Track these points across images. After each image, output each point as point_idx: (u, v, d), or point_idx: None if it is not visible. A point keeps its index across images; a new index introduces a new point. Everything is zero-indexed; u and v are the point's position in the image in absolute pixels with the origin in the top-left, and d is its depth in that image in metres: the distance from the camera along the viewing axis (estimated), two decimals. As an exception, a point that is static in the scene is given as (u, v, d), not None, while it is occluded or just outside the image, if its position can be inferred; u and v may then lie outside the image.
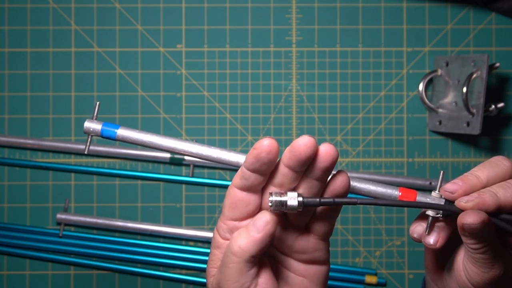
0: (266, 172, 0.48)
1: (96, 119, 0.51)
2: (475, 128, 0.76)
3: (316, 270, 0.53)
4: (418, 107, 0.83)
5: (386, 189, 0.50)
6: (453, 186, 0.50)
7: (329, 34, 0.83)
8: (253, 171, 0.48)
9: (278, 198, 0.48)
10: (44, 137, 0.82)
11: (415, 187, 0.80)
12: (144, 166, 0.82)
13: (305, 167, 0.47)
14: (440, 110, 0.81)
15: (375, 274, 0.81)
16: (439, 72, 0.81)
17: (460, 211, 0.49)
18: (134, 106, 0.82)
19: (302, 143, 0.46)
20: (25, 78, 0.82)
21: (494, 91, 0.82)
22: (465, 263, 0.52)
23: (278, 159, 0.48)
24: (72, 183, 0.82)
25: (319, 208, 0.50)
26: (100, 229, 0.82)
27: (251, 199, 0.49)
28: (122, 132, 0.51)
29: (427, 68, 0.83)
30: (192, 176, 0.82)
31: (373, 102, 0.82)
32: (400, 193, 0.50)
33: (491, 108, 0.79)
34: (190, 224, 0.82)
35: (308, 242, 0.51)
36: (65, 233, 0.82)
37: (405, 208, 0.82)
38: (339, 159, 0.82)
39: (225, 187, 0.82)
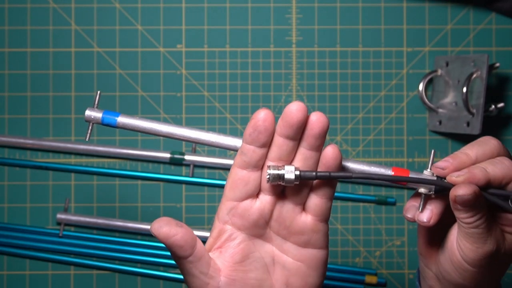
0: (264, 142, 0.50)
1: (97, 107, 0.53)
2: (475, 128, 0.76)
3: (314, 255, 0.53)
4: (418, 107, 0.83)
5: (380, 168, 0.52)
6: (444, 163, 0.52)
7: (329, 34, 0.83)
8: (251, 142, 0.50)
9: (276, 172, 0.49)
10: (44, 137, 0.82)
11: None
12: (144, 166, 0.82)
13: (299, 133, 0.49)
14: (440, 110, 0.81)
15: (375, 274, 0.82)
16: (439, 72, 0.81)
17: (452, 185, 0.51)
18: (134, 106, 0.82)
19: (293, 108, 0.48)
20: (25, 78, 0.82)
21: (494, 91, 0.82)
22: (458, 240, 0.53)
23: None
24: (72, 183, 0.82)
25: (316, 185, 0.51)
26: (100, 229, 0.82)
27: (251, 177, 0.51)
28: (122, 119, 0.52)
29: (427, 68, 0.83)
30: (192, 176, 0.82)
31: (373, 102, 0.82)
32: (393, 172, 0.52)
33: (491, 108, 0.79)
34: (190, 224, 0.82)
35: (306, 223, 0.52)
36: (65, 233, 0.82)
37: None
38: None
39: (225, 187, 0.82)
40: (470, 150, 0.53)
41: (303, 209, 0.52)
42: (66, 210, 0.82)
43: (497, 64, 0.78)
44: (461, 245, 0.53)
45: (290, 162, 0.51)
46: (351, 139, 0.82)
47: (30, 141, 0.82)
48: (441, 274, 0.56)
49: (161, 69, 0.82)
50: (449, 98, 0.80)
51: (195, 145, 0.82)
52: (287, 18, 0.83)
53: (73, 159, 0.82)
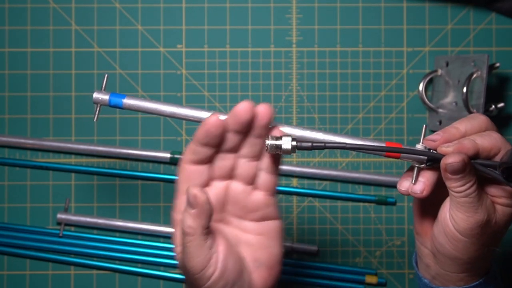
0: (216, 144, 0.54)
1: (104, 90, 0.57)
2: (475, 128, 0.76)
3: (271, 226, 0.58)
4: (418, 107, 0.83)
5: (373, 142, 0.55)
6: (435, 136, 0.56)
7: (329, 34, 0.83)
8: (204, 145, 0.54)
9: (274, 142, 0.53)
10: (44, 137, 0.82)
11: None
12: (144, 166, 0.82)
13: (248, 128, 0.54)
14: (440, 110, 0.81)
15: (375, 274, 0.82)
16: (439, 72, 0.81)
17: (442, 156, 0.55)
18: (134, 106, 0.82)
19: (242, 109, 0.53)
20: (25, 78, 0.82)
21: (494, 91, 0.82)
22: (451, 211, 0.56)
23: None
24: (72, 183, 0.82)
25: (265, 164, 0.55)
26: (100, 229, 0.82)
27: (204, 169, 0.55)
28: (128, 100, 0.57)
29: (427, 68, 0.83)
30: (192, 176, 0.82)
31: (373, 102, 0.83)
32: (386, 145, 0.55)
33: (491, 108, 0.79)
34: (190, 224, 0.82)
35: (259, 199, 0.56)
36: (65, 233, 0.82)
37: (405, 209, 0.82)
38: (340, 159, 0.82)
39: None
40: (460, 125, 0.57)
41: (254, 187, 0.56)
42: (66, 210, 0.82)
43: (497, 64, 0.78)
44: (454, 215, 0.56)
45: (238, 151, 0.55)
46: (351, 139, 0.82)
47: (30, 141, 0.82)
48: (436, 248, 0.59)
49: (161, 69, 0.82)
50: (449, 98, 0.80)
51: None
52: (287, 18, 0.83)
53: (73, 159, 0.82)
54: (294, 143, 0.53)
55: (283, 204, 0.82)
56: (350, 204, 0.82)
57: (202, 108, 0.58)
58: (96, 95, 0.57)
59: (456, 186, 0.55)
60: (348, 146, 0.54)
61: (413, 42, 0.83)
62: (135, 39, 0.82)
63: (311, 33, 0.83)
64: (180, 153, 0.81)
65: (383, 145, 0.55)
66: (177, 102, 0.82)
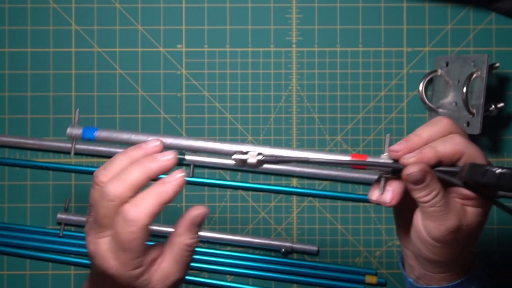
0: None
1: (77, 124, 0.60)
2: (475, 128, 0.76)
3: None
4: (418, 107, 0.83)
5: (338, 155, 0.58)
6: (398, 146, 0.56)
7: (329, 34, 0.83)
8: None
9: (240, 157, 0.56)
10: (44, 137, 0.82)
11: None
12: (144, 166, 0.82)
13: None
14: (440, 110, 0.81)
15: (375, 274, 0.82)
16: (439, 72, 0.81)
17: (403, 167, 0.55)
18: (134, 106, 0.82)
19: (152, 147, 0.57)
20: (25, 78, 0.82)
21: (494, 91, 0.82)
22: (422, 220, 0.57)
23: None
24: (72, 183, 0.82)
25: None
26: (100, 229, 0.82)
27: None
28: (100, 133, 0.60)
29: (427, 68, 0.83)
30: (192, 176, 0.82)
31: (373, 102, 0.83)
32: (351, 158, 0.57)
33: (491, 108, 0.79)
34: (190, 224, 0.82)
35: None
36: (65, 233, 0.82)
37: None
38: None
39: (225, 187, 0.82)
40: (422, 131, 0.57)
41: None
42: (66, 210, 0.82)
43: (497, 64, 0.78)
44: (425, 224, 0.57)
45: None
46: (351, 139, 0.82)
47: (30, 141, 0.82)
48: (415, 251, 0.60)
49: (161, 69, 0.82)
50: (449, 98, 0.80)
51: (195, 145, 0.82)
52: (287, 18, 0.83)
53: (73, 159, 0.82)
54: (259, 157, 0.56)
55: (283, 204, 0.82)
56: (350, 204, 0.82)
57: (176, 136, 0.61)
58: (69, 130, 0.60)
59: (421, 196, 0.55)
60: (311, 160, 0.57)
61: (413, 42, 0.82)
62: (135, 39, 0.82)
63: (311, 33, 0.83)
64: (180, 152, 0.81)
65: (349, 157, 0.57)
66: (177, 102, 0.82)
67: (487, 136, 0.82)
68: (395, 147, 0.56)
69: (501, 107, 0.79)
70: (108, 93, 0.82)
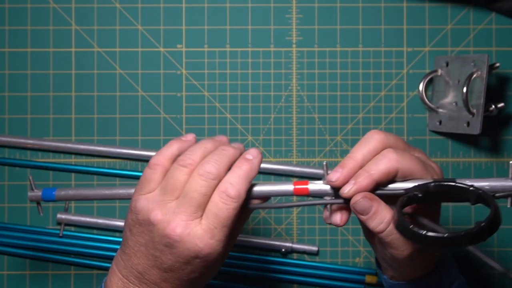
0: None
1: (34, 188, 0.65)
2: (475, 128, 0.76)
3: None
4: (418, 107, 0.83)
5: (282, 185, 0.59)
6: (335, 175, 0.57)
7: (329, 34, 0.83)
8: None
9: None
10: (45, 137, 0.82)
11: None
12: (144, 166, 0.82)
13: None
14: (440, 110, 0.81)
15: (375, 274, 0.82)
16: (439, 72, 0.81)
17: (344, 198, 0.56)
18: (134, 106, 0.82)
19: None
20: (25, 78, 0.82)
21: (494, 91, 0.82)
22: (384, 246, 0.58)
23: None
24: (72, 183, 0.82)
25: None
26: (101, 229, 0.82)
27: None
28: (58, 192, 0.64)
29: (427, 68, 0.83)
30: (192, 176, 0.82)
31: (373, 102, 0.83)
32: (294, 187, 0.58)
33: (491, 108, 0.79)
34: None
35: None
36: (65, 233, 0.82)
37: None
38: (340, 159, 0.82)
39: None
40: (356, 152, 0.57)
41: None
42: (66, 210, 0.82)
43: (497, 64, 0.78)
44: (387, 249, 0.57)
45: None
46: (351, 139, 0.82)
47: (31, 141, 0.82)
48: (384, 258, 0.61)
49: (161, 69, 0.82)
50: (449, 98, 0.80)
51: (195, 145, 0.82)
52: (287, 18, 0.83)
53: (73, 159, 0.82)
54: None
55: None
56: (350, 204, 0.82)
57: (129, 186, 0.63)
58: (30, 194, 0.65)
59: (375, 227, 0.56)
60: (255, 194, 0.59)
61: (413, 42, 0.82)
62: (135, 39, 0.82)
63: (311, 33, 0.83)
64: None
65: (291, 185, 0.58)
66: (177, 102, 0.82)
67: (487, 136, 0.83)
68: (332, 176, 0.56)
69: (501, 107, 0.79)
70: (108, 93, 0.82)
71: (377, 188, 0.56)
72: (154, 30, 0.82)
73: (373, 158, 0.56)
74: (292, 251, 0.82)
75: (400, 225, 0.53)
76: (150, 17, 0.82)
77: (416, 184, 0.56)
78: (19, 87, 0.82)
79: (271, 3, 0.82)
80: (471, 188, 0.54)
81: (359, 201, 0.55)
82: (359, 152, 0.57)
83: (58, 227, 0.82)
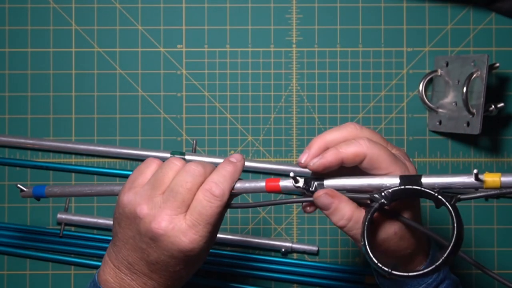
0: None
1: (27, 188, 0.67)
2: (475, 128, 0.76)
3: None
4: (418, 107, 0.83)
5: (255, 183, 0.59)
6: (303, 156, 0.58)
7: (329, 34, 0.83)
8: None
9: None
10: (45, 137, 0.82)
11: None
12: (144, 166, 0.82)
13: None
14: (440, 110, 0.81)
15: (375, 274, 0.82)
16: (439, 72, 0.81)
17: (308, 197, 0.58)
18: (134, 106, 0.82)
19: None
20: (25, 78, 0.82)
21: (494, 91, 0.82)
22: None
23: None
24: (72, 183, 0.82)
25: None
26: (101, 229, 0.82)
27: None
28: (48, 189, 0.66)
29: (427, 68, 0.83)
30: (192, 176, 0.82)
31: (373, 102, 0.83)
32: (266, 184, 0.59)
33: (491, 108, 0.79)
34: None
35: None
36: (65, 233, 0.82)
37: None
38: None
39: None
40: (327, 134, 0.59)
41: None
42: (66, 210, 0.82)
43: (497, 64, 0.78)
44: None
45: None
46: (351, 139, 0.82)
47: (31, 141, 0.82)
48: None
49: (161, 69, 0.82)
50: (449, 98, 0.80)
51: (195, 145, 0.82)
52: (287, 18, 0.83)
53: (73, 159, 0.83)
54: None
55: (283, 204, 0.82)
56: (350, 204, 0.82)
57: (114, 183, 0.66)
58: (22, 193, 0.67)
59: (336, 222, 0.57)
60: (234, 206, 0.60)
61: (413, 42, 0.83)
62: (135, 39, 0.82)
63: (311, 33, 0.83)
64: (180, 153, 0.81)
65: (264, 182, 0.59)
66: (177, 102, 0.82)
67: (487, 136, 0.83)
68: (300, 157, 0.58)
69: (501, 107, 0.79)
70: (108, 93, 0.82)
71: (342, 190, 0.58)
72: (154, 30, 0.82)
73: (345, 141, 0.58)
74: (292, 251, 0.82)
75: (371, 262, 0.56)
76: (150, 17, 0.82)
77: (381, 181, 0.57)
78: (19, 87, 0.82)
79: (271, 3, 0.82)
80: (435, 195, 0.55)
81: (320, 196, 0.57)
82: (330, 134, 0.58)
83: (58, 227, 0.82)
